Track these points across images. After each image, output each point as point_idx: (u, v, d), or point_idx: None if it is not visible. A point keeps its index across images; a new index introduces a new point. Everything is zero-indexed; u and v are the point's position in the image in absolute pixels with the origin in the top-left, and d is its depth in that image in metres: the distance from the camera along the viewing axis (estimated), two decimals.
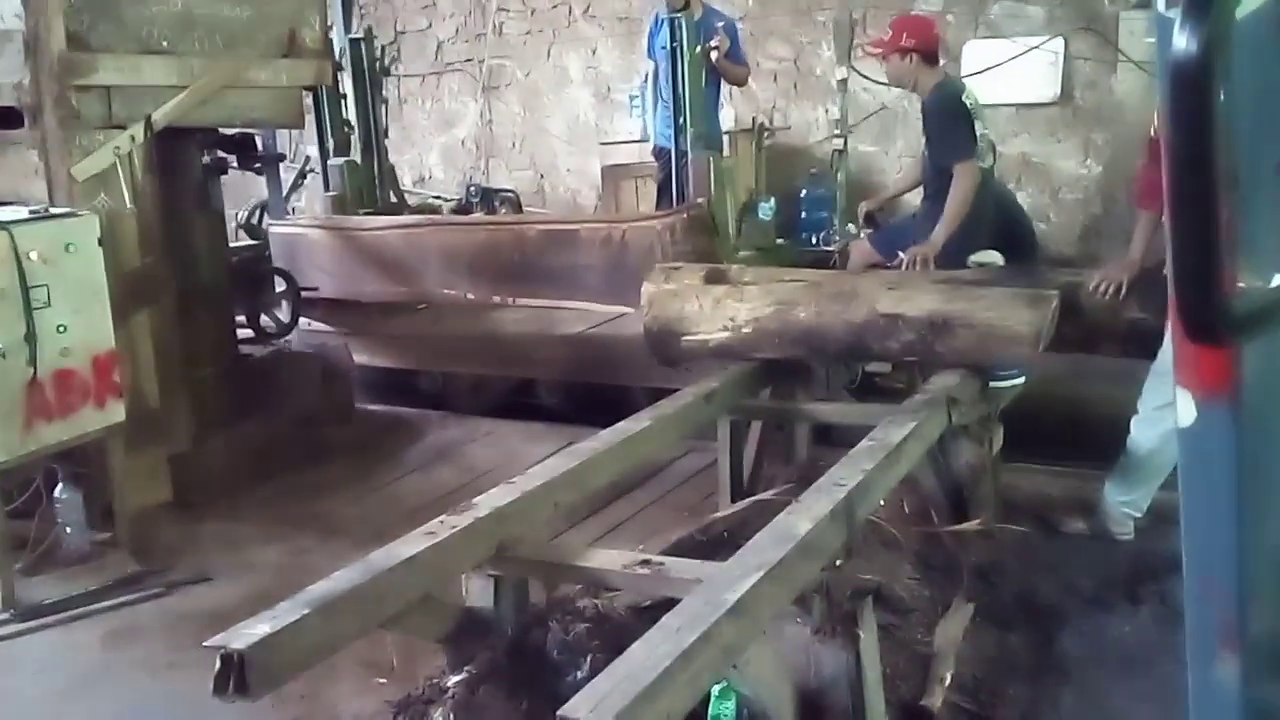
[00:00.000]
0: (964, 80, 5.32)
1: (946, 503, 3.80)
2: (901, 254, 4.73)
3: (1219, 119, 0.96)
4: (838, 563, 2.80)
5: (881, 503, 3.34)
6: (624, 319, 5.83)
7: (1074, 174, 7.60)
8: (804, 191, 7.82)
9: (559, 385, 6.05)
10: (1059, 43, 7.35)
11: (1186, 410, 1.22)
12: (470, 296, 6.10)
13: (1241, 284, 1.08)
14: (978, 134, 4.78)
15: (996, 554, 3.75)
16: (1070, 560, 3.79)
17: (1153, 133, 3.77)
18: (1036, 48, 7.24)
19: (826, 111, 7.94)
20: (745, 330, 4.27)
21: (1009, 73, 7.41)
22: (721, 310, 4.34)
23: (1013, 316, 3.73)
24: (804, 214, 7.73)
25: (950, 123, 4.79)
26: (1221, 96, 0.95)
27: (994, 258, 4.68)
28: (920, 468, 3.62)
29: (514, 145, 9.62)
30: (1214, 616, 1.29)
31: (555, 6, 9.17)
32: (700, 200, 5.37)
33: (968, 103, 4.79)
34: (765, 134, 8.19)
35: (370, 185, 6.85)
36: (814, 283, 4.29)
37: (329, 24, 5.86)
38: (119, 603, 3.82)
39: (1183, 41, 0.93)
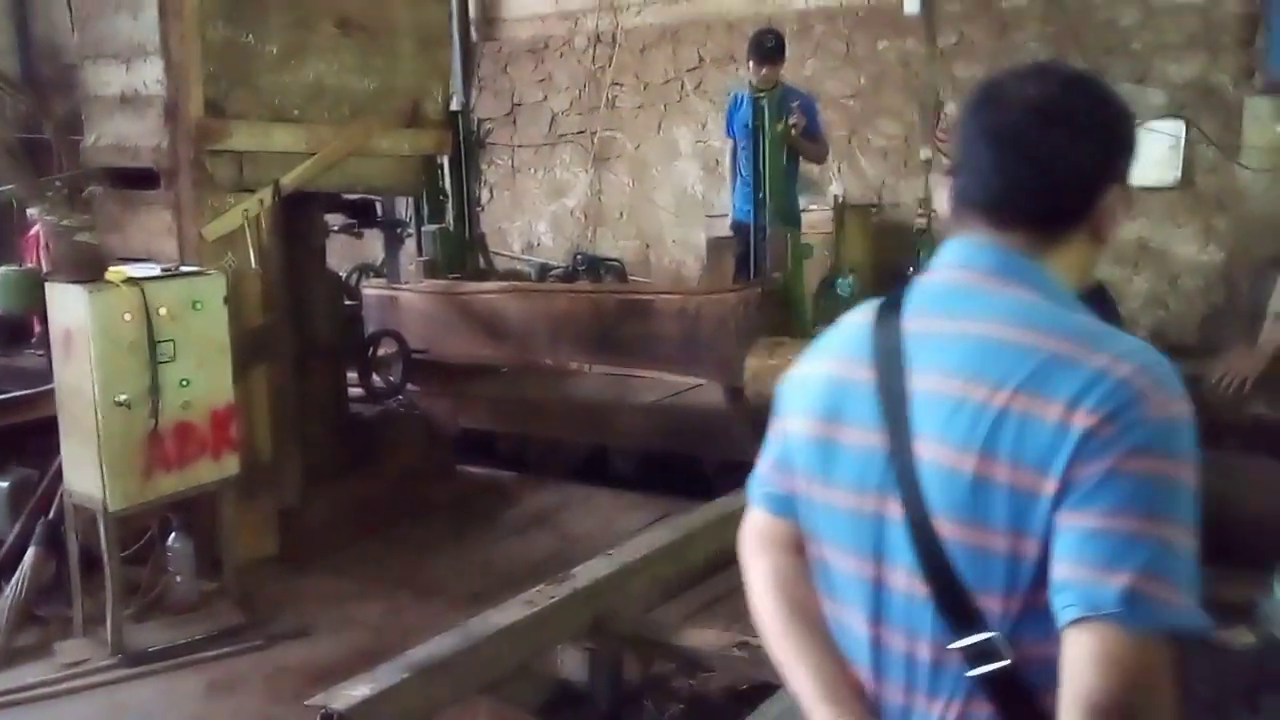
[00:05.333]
0: None
1: None
2: None
3: None
4: None
5: None
6: (698, 390, 5.84)
7: (1194, 260, 7.39)
8: (910, 269, 7.74)
9: (634, 453, 6.06)
10: (1180, 126, 7.20)
11: None
12: (548, 362, 6.18)
13: None
14: None
15: None
16: (1186, 665, 3.62)
17: None
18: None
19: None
20: None
21: None
22: None
23: None
24: None
25: None
26: None
27: None
28: None
29: (621, 215, 9.75)
30: None
31: (667, 81, 9.32)
32: (776, 275, 5.37)
33: None
34: (873, 210, 8.18)
35: (461, 251, 7.01)
36: None
37: (450, 96, 6.05)
38: (222, 653, 3.89)
39: None
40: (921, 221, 6.81)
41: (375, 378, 5.85)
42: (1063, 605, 1.08)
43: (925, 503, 1.17)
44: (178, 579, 4.19)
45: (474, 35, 10.22)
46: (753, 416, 4.67)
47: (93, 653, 3.87)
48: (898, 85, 8.21)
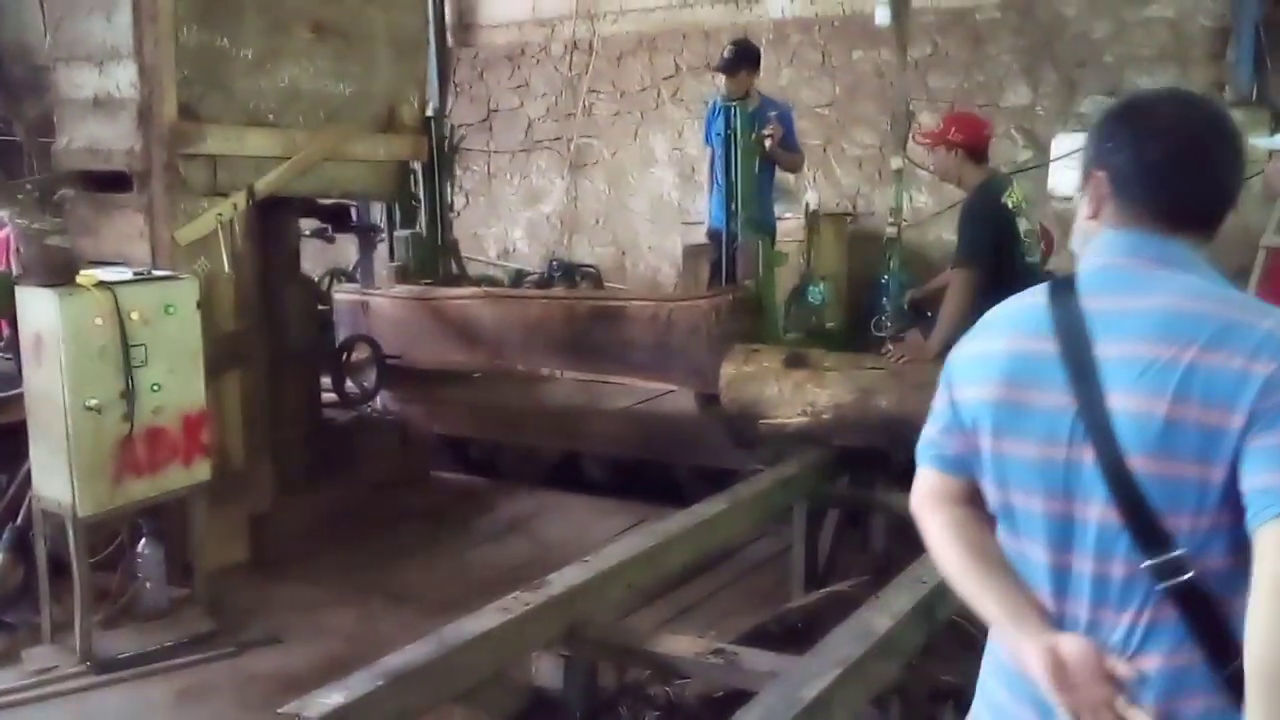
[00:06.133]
0: (1010, 177, 5.27)
1: None
2: (891, 345, 4.70)
3: None
4: (915, 662, 2.73)
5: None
6: (670, 396, 5.84)
7: None
8: (884, 278, 7.79)
9: (605, 459, 6.06)
10: None
11: None
12: (521, 367, 6.17)
13: None
14: (1022, 231, 4.69)
15: None
16: None
17: None
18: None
19: (911, 199, 7.93)
20: (825, 416, 4.24)
21: None
22: (801, 395, 4.32)
23: None
24: (884, 299, 7.69)
25: (969, 225, 4.72)
26: None
27: None
28: None
29: (597, 222, 9.75)
30: None
31: (644, 89, 9.34)
32: (748, 282, 5.39)
33: (1008, 201, 4.70)
34: (848, 219, 8.21)
35: (433, 257, 7.00)
36: (897, 371, 4.25)
37: (426, 101, 6.04)
38: (192, 660, 3.86)
39: None
40: (892, 230, 6.84)
41: (349, 383, 5.82)
42: (1260, 508, 1.31)
43: (1119, 445, 1.40)
44: (148, 585, 4.15)
45: (450, 41, 10.20)
46: (731, 423, 4.68)
47: (61, 660, 3.82)
48: (873, 95, 8.26)
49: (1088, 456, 1.43)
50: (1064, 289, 1.52)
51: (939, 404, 1.65)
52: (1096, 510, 1.44)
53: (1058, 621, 1.48)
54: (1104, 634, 1.44)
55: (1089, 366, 1.44)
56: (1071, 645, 1.41)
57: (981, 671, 1.65)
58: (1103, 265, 1.52)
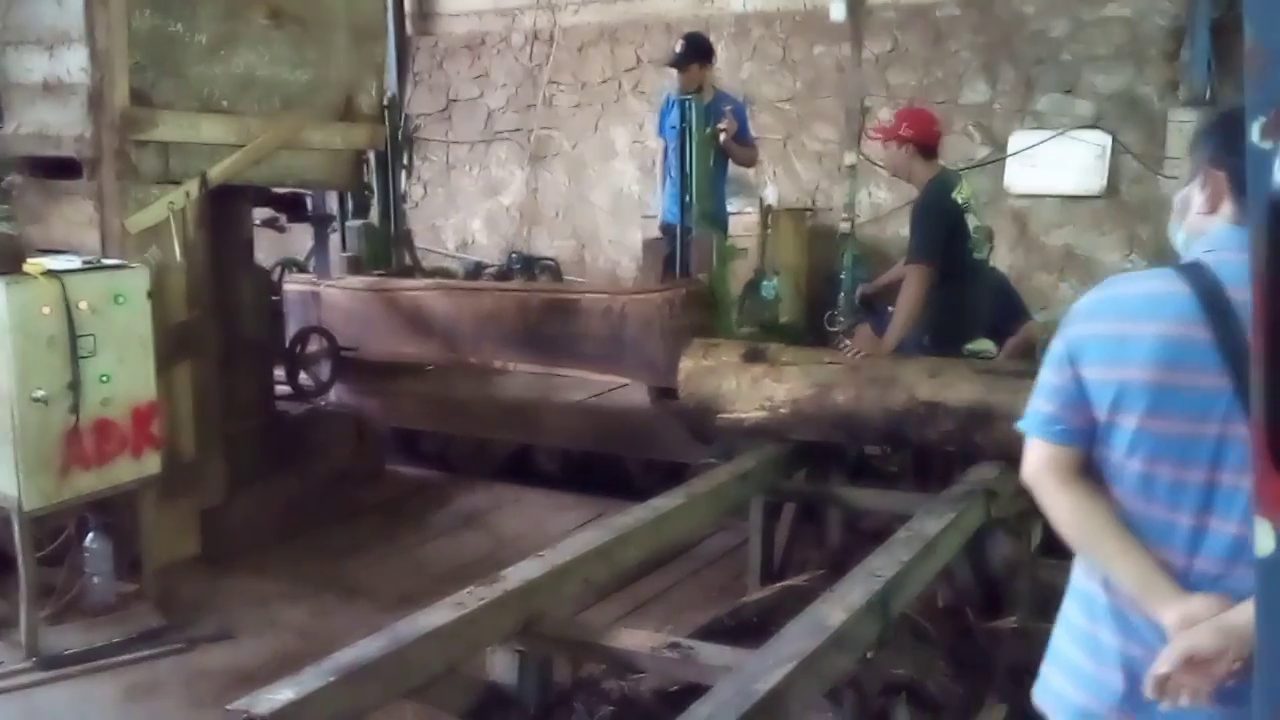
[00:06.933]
0: (960, 173, 5.31)
1: (982, 598, 3.73)
2: (848, 341, 4.73)
3: None
4: (869, 655, 2.74)
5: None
6: (623, 390, 5.84)
7: (1118, 267, 7.56)
8: (842, 273, 7.82)
9: (558, 452, 6.04)
10: (1106, 137, 7.37)
11: (1265, 540, 1.24)
12: (473, 360, 6.13)
13: None
14: (970, 227, 4.73)
15: (1032, 653, 3.65)
16: None
17: None
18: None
19: (870, 194, 7.98)
20: (783, 411, 4.25)
21: (1055, 164, 7.44)
22: (759, 389, 4.33)
23: None
24: (841, 295, 7.73)
25: (922, 221, 4.76)
26: None
27: (987, 346, 4.68)
28: (956, 560, 3.56)
29: (557, 214, 9.72)
30: None
31: (605, 81, 9.31)
32: (701, 276, 5.39)
33: (958, 198, 4.74)
34: (807, 214, 8.24)
35: (386, 248, 6.94)
36: (853, 366, 4.27)
37: (385, 90, 5.98)
38: (140, 656, 3.79)
39: None
40: (845, 226, 6.88)
41: (303, 375, 5.75)
42: None
43: None
44: (95, 580, 4.08)
45: (409, 30, 10.12)
46: (688, 417, 4.68)
47: (6, 656, 3.75)
48: (833, 90, 8.29)
49: (1242, 432, 1.57)
50: (1201, 278, 1.66)
51: (1055, 381, 1.79)
52: (1250, 479, 1.55)
53: (1186, 573, 1.68)
54: (1236, 584, 1.60)
55: (1247, 351, 1.54)
56: (1207, 606, 1.60)
57: (1069, 615, 1.87)
58: (1241, 260, 1.61)
